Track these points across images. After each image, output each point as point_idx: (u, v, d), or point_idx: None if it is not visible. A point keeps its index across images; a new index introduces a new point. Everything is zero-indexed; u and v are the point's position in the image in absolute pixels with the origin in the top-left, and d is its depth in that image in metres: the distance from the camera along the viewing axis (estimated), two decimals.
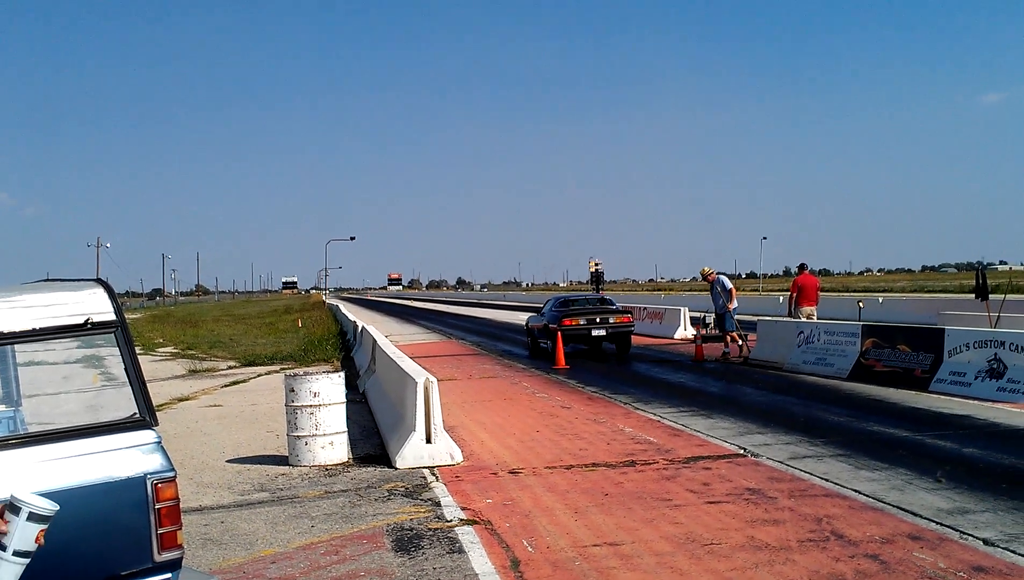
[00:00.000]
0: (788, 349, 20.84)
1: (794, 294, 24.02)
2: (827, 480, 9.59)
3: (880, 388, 16.73)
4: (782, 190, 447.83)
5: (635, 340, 22.26)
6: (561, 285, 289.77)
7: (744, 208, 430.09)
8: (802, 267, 24.54)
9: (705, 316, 30.43)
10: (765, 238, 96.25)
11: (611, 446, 12.01)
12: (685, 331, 31.45)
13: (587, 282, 64.12)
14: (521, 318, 51.08)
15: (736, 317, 23.28)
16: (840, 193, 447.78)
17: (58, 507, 2.75)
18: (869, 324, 19.90)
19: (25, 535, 2.65)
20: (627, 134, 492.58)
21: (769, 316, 29.95)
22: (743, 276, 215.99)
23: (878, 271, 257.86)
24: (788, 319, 23.30)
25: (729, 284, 23.47)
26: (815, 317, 23.25)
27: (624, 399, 16.47)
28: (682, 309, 33.36)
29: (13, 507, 2.65)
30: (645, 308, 36.41)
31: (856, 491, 9.09)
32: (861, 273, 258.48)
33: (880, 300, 42.20)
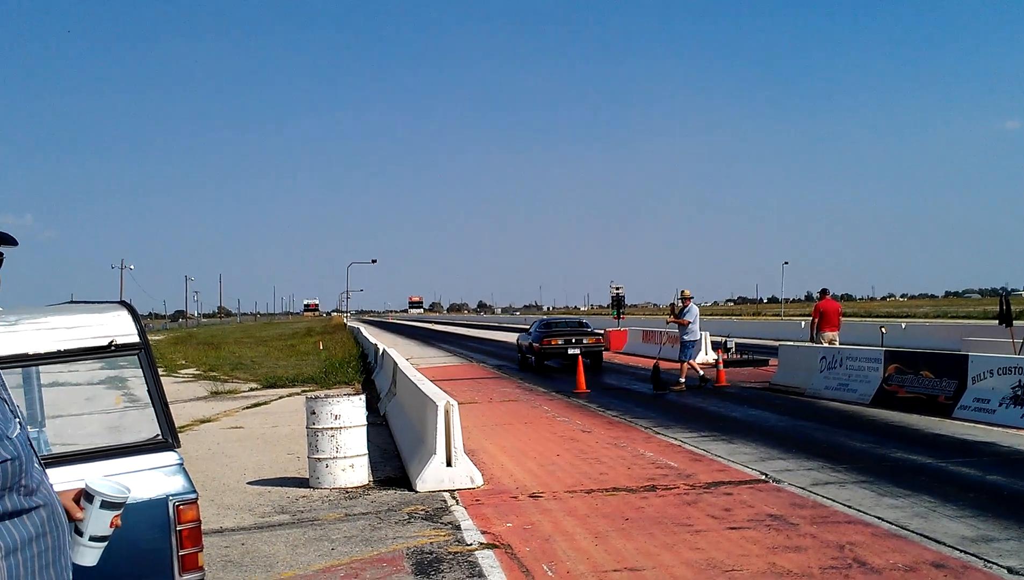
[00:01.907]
0: (810, 374, 20.73)
1: (816, 319, 23.92)
2: (850, 507, 9.52)
3: (903, 414, 16.61)
4: (804, 215, 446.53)
5: (668, 365, 22.62)
6: (582, 309, 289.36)
7: (766, 233, 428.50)
8: (824, 292, 24.45)
9: (726, 341, 30.35)
10: (786, 263, 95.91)
11: (632, 470, 11.96)
12: (706, 356, 31.32)
13: (608, 306, 63.98)
14: None
15: (695, 344, 23.07)
16: (862, 218, 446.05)
17: (130, 492, 2.86)
18: (892, 350, 19.80)
19: (100, 521, 2.79)
20: (649, 157, 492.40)
21: (790, 341, 29.84)
22: (764, 301, 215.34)
23: (900, 296, 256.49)
24: (810, 344, 23.20)
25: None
26: (837, 342, 23.16)
27: (645, 423, 16.41)
28: (703, 334, 33.20)
29: (88, 495, 2.79)
30: (665, 333, 36.25)
31: (879, 518, 9.01)
32: (883, 298, 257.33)
33: (903, 326, 41.97)
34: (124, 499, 2.84)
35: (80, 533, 2.75)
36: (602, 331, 34.54)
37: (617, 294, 48.78)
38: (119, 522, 2.83)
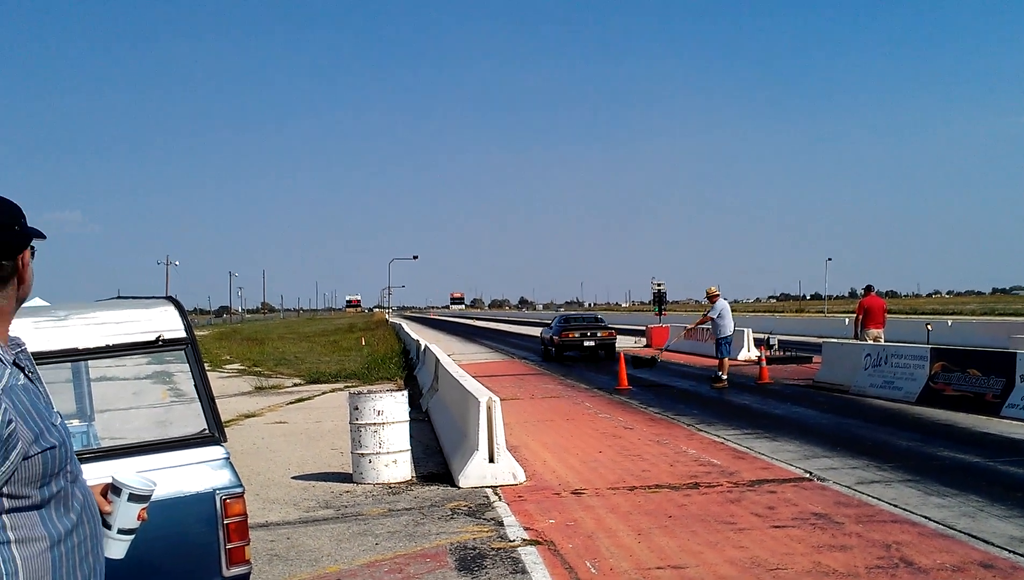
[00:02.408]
0: (854, 372, 20.52)
1: (860, 316, 23.68)
2: (895, 506, 9.42)
3: (949, 412, 16.41)
4: (848, 210, 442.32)
5: (696, 361, 22.57)
6: (623, 305, 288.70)
7: (809, 228, 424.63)
8: (868, 289, 24.20)
9: (769, 337, 30.12)
10: (830, 259, 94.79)
11: (674, 468, 11.91)
12: (749, 353, 31.12)
13: (650, 302, 63.71)
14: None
15: (727, 339, 22.80)
16: (907, 213, 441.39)
17: (156, 486, 2.91)
18: (938, 347, 19.56)
19: (127, 514, 2.84)
20: (692, 152, 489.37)
21: (834, 338, 29.56)
22: (808, 297, 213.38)
23: (947, 293, 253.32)
24: (854, 341, 22.97)
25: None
26: (882, 340, 22.90)
27: (687, 420, 16.34)
28: (746, 330, 32.99)
29: (115, 488, 2.84)
30: (708, 329, 36.04)
31: (926, 517, 8.90)
32: (929, 295, 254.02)
33: (949, 323, 41.46)
34: (151, 492, 2.89)
35: (108, 526, 2.79)
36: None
37: (659, 290, 48.63)
38: (146, 515, 2.88)
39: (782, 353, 29.80)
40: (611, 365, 27.30)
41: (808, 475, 11.12)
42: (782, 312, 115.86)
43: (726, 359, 22.50)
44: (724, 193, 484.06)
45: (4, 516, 2.34)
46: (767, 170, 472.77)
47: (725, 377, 22.31)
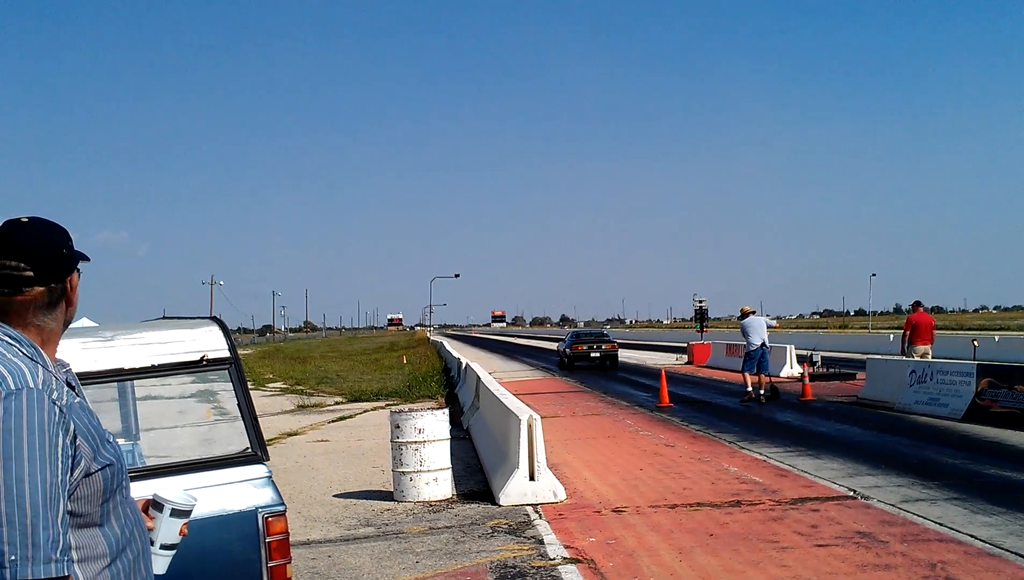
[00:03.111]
0: (899, 388, 20.31)
1: (907, 332, 23.44)
2: (941, 524, 9.30)
3: (997, 430, 16.19)
4: (892, 224, 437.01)
5: (738, 378, 22.58)
6: (665, 322, 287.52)
7: (853, 243, 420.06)
8: (916, 305, 23.93)
9: (812, 354, 29.89)
10: (874, 274, 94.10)
11: (716, 486, 11.85)
12: (791, 369, 30.90)
13: (691, 319, 63.42)
14: (625, 355, 50.78)
15: (750, 355, 22.77)
16: (954, 227, 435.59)
17: (196, 501, 2.97)
18: (985, 363, 19.30)
19: (170, 529, 2.89)
20: (732, 167, 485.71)
21: (879, 354, 29.28)
22: (851, 313, 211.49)
23: (993, 309, 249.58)
24: (899, 358, 22.73)
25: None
26: (930, 356, 22.65)
27: (729, 438, 16.25)
28: (788, 347, 32.76)
29: (157, 504, 2.89)
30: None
31: (972, 536, 8.79)
32: (976, 310, 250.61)
33: (996, 338, 40.93)
34: (191, 507, 2.94)
35: (151, 542, 2.85)
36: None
37: (700, 307, 48.53)
38: (187, 530, 2.94)
39: (825, 370, 29.55)
40: (649, 381, 27.24)
41: (852, 493, 11.02)
42: (825, 328, 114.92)
43: (746, 374, 22.65)
44: (766, 208, 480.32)
45: (70, 534, 2.38)
46: (809, 184, 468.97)
47: (749, 389, 22.42)
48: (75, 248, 2.64)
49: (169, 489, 2.92)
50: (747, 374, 22.61)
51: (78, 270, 2.66)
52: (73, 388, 2.53)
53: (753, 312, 23.34)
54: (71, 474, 2.36)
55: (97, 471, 2.43)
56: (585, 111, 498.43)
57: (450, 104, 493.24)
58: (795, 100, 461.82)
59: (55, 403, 2.36)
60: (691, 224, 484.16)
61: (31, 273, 2.49)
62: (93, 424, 2.48)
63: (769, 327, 23.12)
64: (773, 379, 24.97)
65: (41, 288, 2.52)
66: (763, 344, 22.50)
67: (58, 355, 2.61)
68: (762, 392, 22.35)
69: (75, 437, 2.38)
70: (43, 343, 2.53)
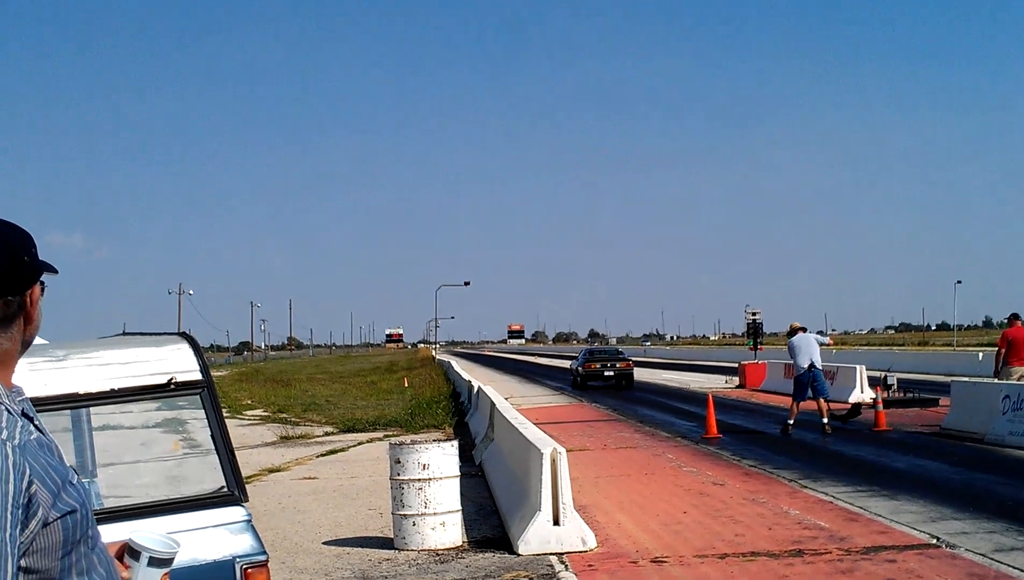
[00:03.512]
0: (990, 417, 20.21)
1: (1002, 350, 23.30)
2: None
3: None
4: (981, 224, 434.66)
5: (803, 405, 22.58)
6: (712, 338, 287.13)
7: (934, 245, 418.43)
8: (1013, 317, 23.74)
9: (886, 375, 29.77)
10: (959, 282, 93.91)
11: (773, 531, 11.81)
12: (862, 394, 30.78)
13: (743, 334, 63.25)
14: (665, 376, 50.74)
15: (798, 379, 23.08)
16: None
17: (179, 547, 2.90)
18: None
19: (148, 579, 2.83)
20: (790, 164, 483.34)
21: (966, 377, 29.15)
22: (932, 327, 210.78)
23: None
24: (991, 381, 22.62)
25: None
26: None
27: (788, 475, 16.20)
28: (857, 367, 32.65)
29: (132, 551, 2.82)
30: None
31: None
32: None
33: None
34: (173, 555, 2.86)
35: None
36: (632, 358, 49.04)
37: (754, 321, 48.37)
38: None
39: (902, 394, 29.42)
40: (693, 407, 27.22)
41: (935, 541, 10.97)
42: (902, 345, 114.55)
43: (794, 403, 22.77)
44: (829, 207, 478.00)
45: None
46: (881, 180, 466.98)
47: (790, 420, 22.52)
48: (39, 256, 2.57)
49: (146, 534, 2.87)
50: (794, 402, 22.73)
51: (42, 283, 2.60)
52: (31, 419, 2.46)
53: (803, 329, 23.47)
54: (27, 525, 2.29)
55: (57, 519, 2.35)
56: (620, 105, 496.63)
57: (463, 90, 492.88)
58: (864, 90, 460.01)
59: (4, 443, 2.29)
60: (742, 227, 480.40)
61: None
62: (52, 464, 2.40)
63: (821, 345, 23.20)
64: (841, 405, 24.89)
65: None
66: (811, 366, 22.63)
67: (13, 380, 2.54)
68: (824, 421, 22.35)
69: (30, 483, 2.30)
70: None
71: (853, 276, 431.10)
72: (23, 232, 2.54)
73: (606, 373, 44.10)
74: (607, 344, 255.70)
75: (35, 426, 2.47)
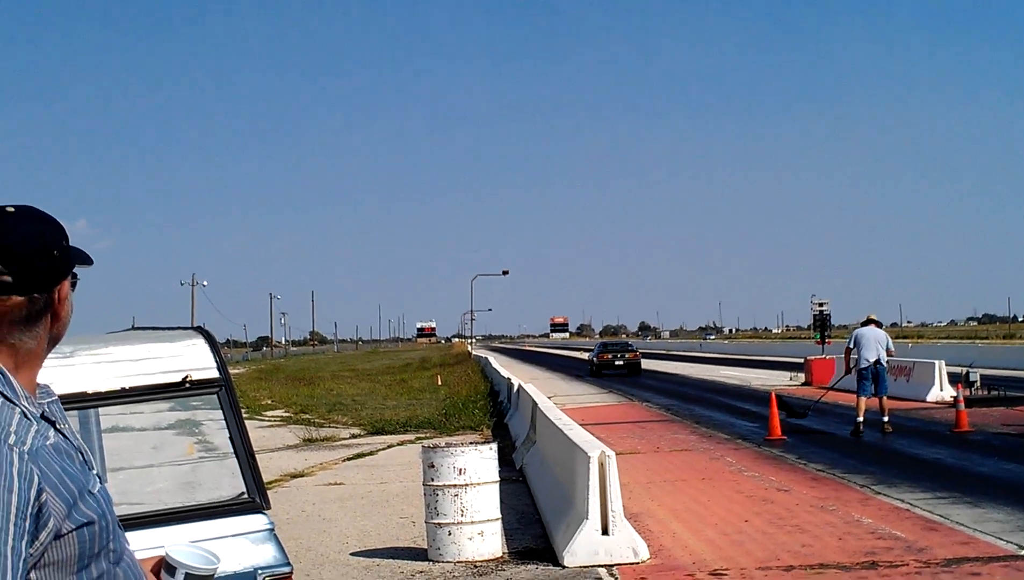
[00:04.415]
0: None
1: None
2: None
3: None
4: None
5: (873, 403, 22.55)
6: (774, 331, 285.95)
7: (1020, 230, 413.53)
8: None
9: (968, 371, 29.57)
10: None
11: (844, 542, 11.77)
12: (941, 392, 30.58)
13: (809, 327, 62.80)
14: (724, 373, 50.62)
15: (859, 375, 23.25)
16: None
17: (219, 562, 2.89)
18: None
19: None
20: (860, 142, 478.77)
21: None
22: (1020, 318, 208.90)
23: None
24: None
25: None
26: None
27: (860, 480, 16.12)
28: (936, 363, 32.40)
29: (169, 567, 2.81)
30: (891, 362, 35.42)
31: None
32: None
33: None
34: (213, 572, 2.83)
35: None
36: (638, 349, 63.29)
37: (820, 312, 48.15)
38: None
39: (986, 392, 29.23)
40: (754, 406, 27.16)
41: (1023, 552, 10.90)
42: (986, 338, 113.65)
43: (860, 398, 22.92)
44: (904, 189, 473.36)
45: None
46: (961, 161, 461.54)
47: (859, 418, 22.63)
48: (69, 247, 2.52)
49: (184, 547, 2.84)
50: (859, 398, 22.99)
51: (73, 275, 2.54)
52: (53, 422, 2.43)
53: (878, 323, 23.85)
54: (37, 537, 2.24)
55: (71, 531, 2.30)
56: (675, 87, 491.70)
57: (504, 69, 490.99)
58: (945, 72, 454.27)
59: (12, 449, 2.25)
60: (807, 210, 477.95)
61: (9, 278, 2.38)
62: (69, 472, 2.36)
63: (889, 350, 23.46)
64: (917, 404, 24.79)
65: (21, 298, 2.40)
66: (877, 361, 22.85)
67: (39, 380, 2.48)
68: (885, 419, 22.65)
69: (39, 491, 2.25)
70: (17, 367, 2.42)
71: (930, 263, 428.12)
72: (54, 222, 2.51)
73: (616, 362, 57.30)
74: (659, 338, 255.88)
75: (57, 430, 2.42)
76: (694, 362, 73.63)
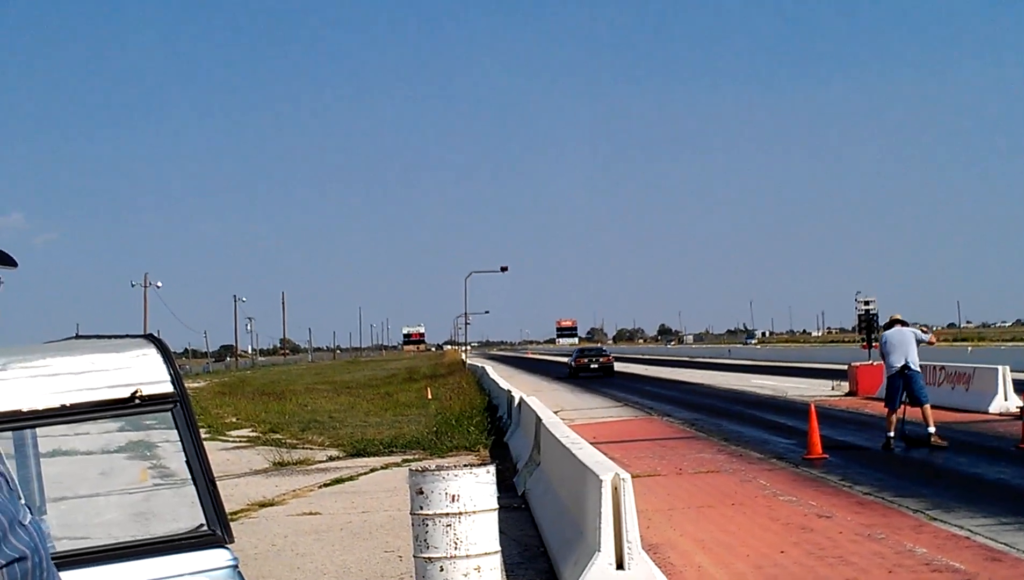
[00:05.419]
0: None
1: None
2: None
3: None
4: None
5: (915, 413, 22.67)
6: (814, 335, 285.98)
7: None
8: None
9: None
10: None
11: (894, 575, 11.79)
12: (1006, 402, 30.60)
13: (853, 329, 62.67)
14: (756, 382, 50.62)
15: (890, 382, 23.70)
16: None
17: None
18: None
19: None
20: (911, 125, 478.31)
21: None
22: None
23: None
24: None
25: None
26: None
27: (913, 504, 16.14)
28: (1000, 369, 32.35)
29: None
30: (942, 367, 35.46)
31: None
32: None
33: None
34: None
35: None
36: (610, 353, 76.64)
37: (866, 312, 48.07)
38: None
39: None
40: (791, 420, 27.22)
41: None
42: None
43: (890, 411, 23.35)
44: (958, 176, 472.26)
45: None
46: (1012, 145, 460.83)
47: (890, 433, 23.09)
48: None
49: None
50: (890, 412, 23.39)
51: None
52: None
53: (903, 322, 24.15)
54: None
55: (1, 568, 2.33)
56: (697, 75, 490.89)
57: (501, 50, 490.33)
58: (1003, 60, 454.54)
59: None
60: (850, 196, 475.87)
61: None
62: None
63: (920, 342, 23.74)
64: (978, 416, 24.80)
65: None
66: (906, 366, 23.07)
67: None
68: (931, 431, 22.82)
69: None
70: None
71: (993, 254, 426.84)
72: None
73: (592, 366, 73.51)
74: (681, 343, 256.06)
75: None
76: (722, 370, 73.69)
